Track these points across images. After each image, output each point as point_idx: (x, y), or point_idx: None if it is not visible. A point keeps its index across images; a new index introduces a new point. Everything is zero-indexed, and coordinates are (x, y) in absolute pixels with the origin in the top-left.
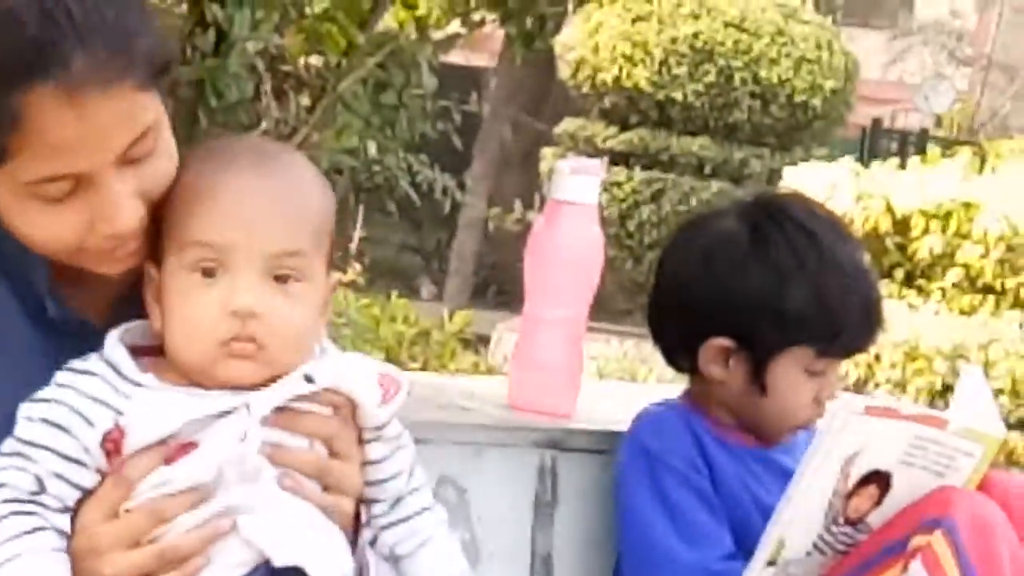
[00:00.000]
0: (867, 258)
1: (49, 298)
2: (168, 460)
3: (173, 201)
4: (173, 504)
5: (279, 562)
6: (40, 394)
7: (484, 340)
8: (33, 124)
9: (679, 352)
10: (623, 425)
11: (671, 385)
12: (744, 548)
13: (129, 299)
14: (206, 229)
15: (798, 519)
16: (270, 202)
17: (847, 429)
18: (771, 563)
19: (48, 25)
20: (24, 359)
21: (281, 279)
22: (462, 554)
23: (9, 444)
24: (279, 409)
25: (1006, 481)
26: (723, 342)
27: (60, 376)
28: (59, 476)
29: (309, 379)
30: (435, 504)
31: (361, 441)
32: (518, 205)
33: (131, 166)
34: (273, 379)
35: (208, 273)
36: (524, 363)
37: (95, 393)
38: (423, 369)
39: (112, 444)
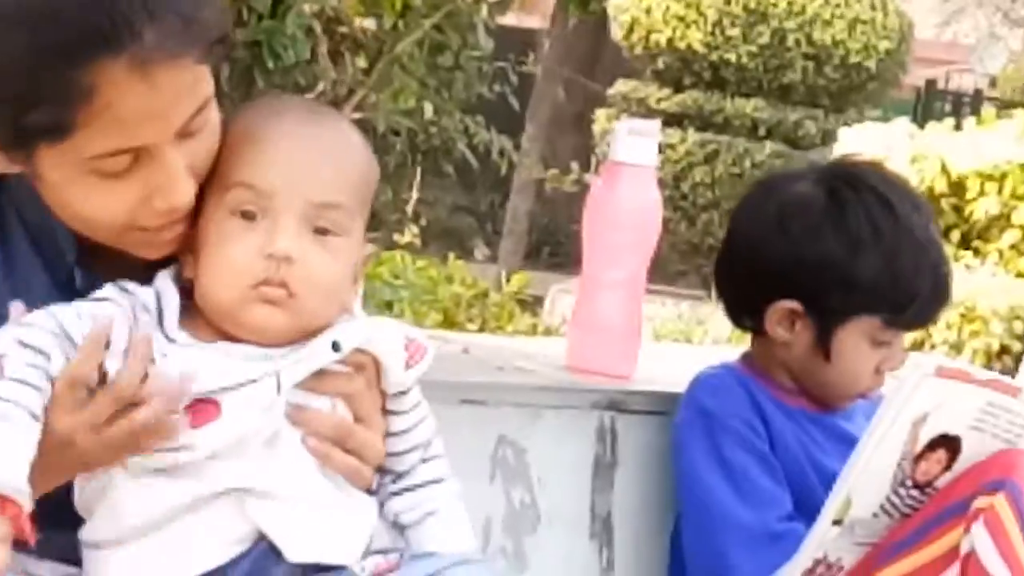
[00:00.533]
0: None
1: (77, 268)
2: (194, 422)
3: (220, 147)
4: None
5: (293, 559)
6: (82, 303)
7: (538, 301)
8: (103, 98)
9: (744, 311)
10: (682, 387)
11: (728, 347)
12: (802, 510)
13: (156, 268)
14: (252, 172)
15: (866, 479)
16: (318, 153)
17: (919, 390)
18: (837, 522)
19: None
20: None
21: (320, 231)
22: (471, 531)
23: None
24: None
25: None
26: (791, 305)
27: (108, 290)
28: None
29: (336, 347)
30: (450, 476)
31: (385, 411)
32: (574, 167)
33: (185, 140)
34: (297, 334)
35: (248, 216)
36: (583, 325)
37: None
38: (480, 330)
39: None
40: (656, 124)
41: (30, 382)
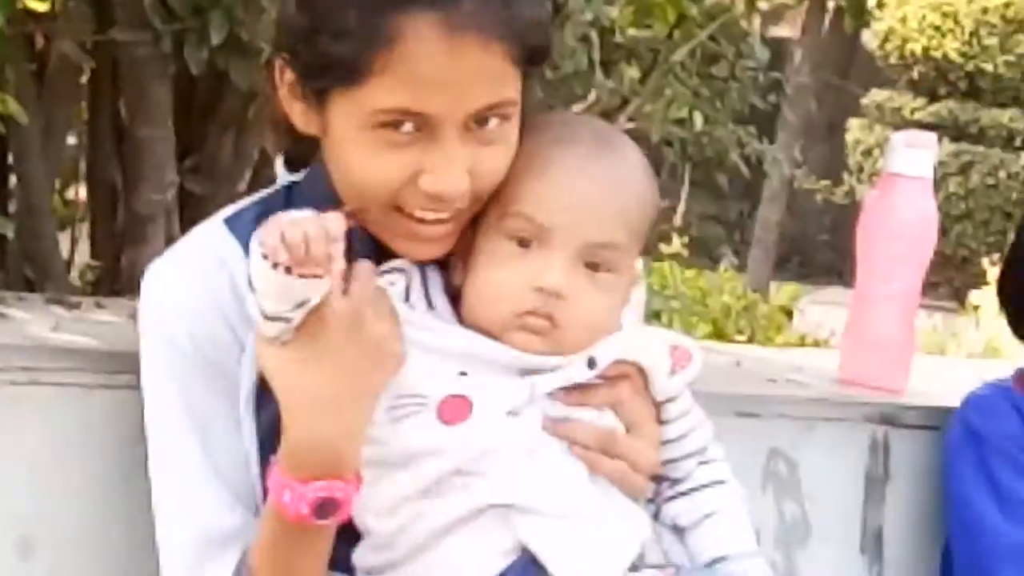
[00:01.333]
0: None
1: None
2: (447, 418)
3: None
4: None
5: (558, 574)
6: None
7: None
8: (406, 49)
9: None
10: (954, 401)
11: (991, 361)
12: None
13: None
14: (534, 205)
15: None
16: (601, 192)
17: None
18: None
19: None
20: None
21: (591, 266)
22: (752, 532)
23: None
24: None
25: None
26: None
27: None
28: None
29: (592, 363)
30: (731, 479)
31: (659, 420)
32: (845, 178)
33: (475, 140)
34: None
35: (523, 244)
36: (856, 337)
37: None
38: (749, 341)
39: None
40: (932, 136)
41: None
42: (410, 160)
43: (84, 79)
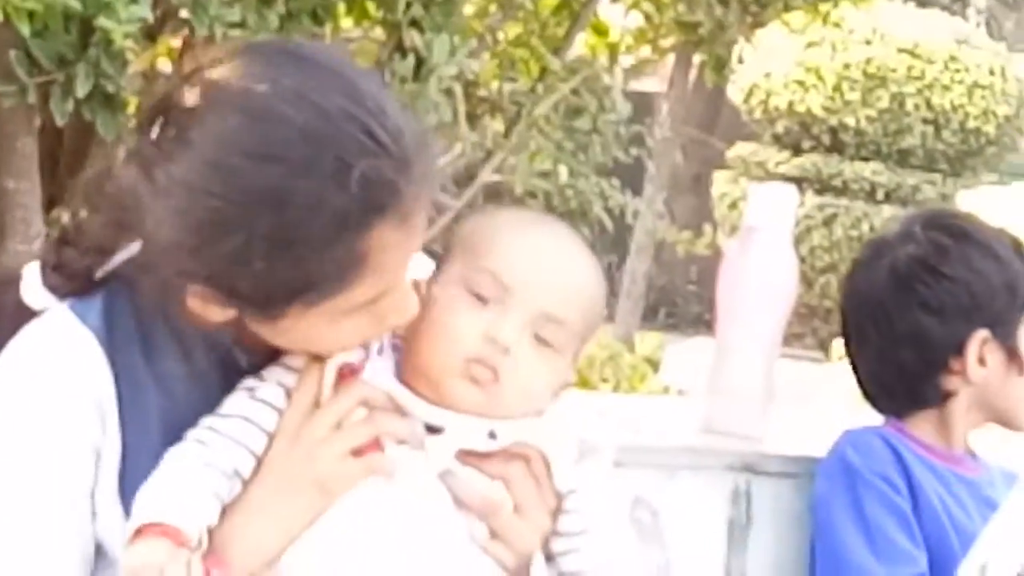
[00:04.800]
0: None
1: (238, 350)
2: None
3: (473, 230)
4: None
5: None
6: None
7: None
8: (375, 257)
9: (914, 384)
10: (814, 450)
11: (853, 410)
12: (937, 570)
13: None
14: (503, 265)
15: (1005, 546)
16: (568, 269)
17: None
18: None
19: (379, 164)
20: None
21: (540, 340)
22: None
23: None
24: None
25: None
26: (983, 335)
27: None
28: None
29: (492, 435)
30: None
31: (560, 510)
32: (707, 230)
33: None
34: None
35: (480, 299)
36: (718, 386)
37: None
38: (614, 391)
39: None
40: (792, 188)
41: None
42: (370, 315)
43: None
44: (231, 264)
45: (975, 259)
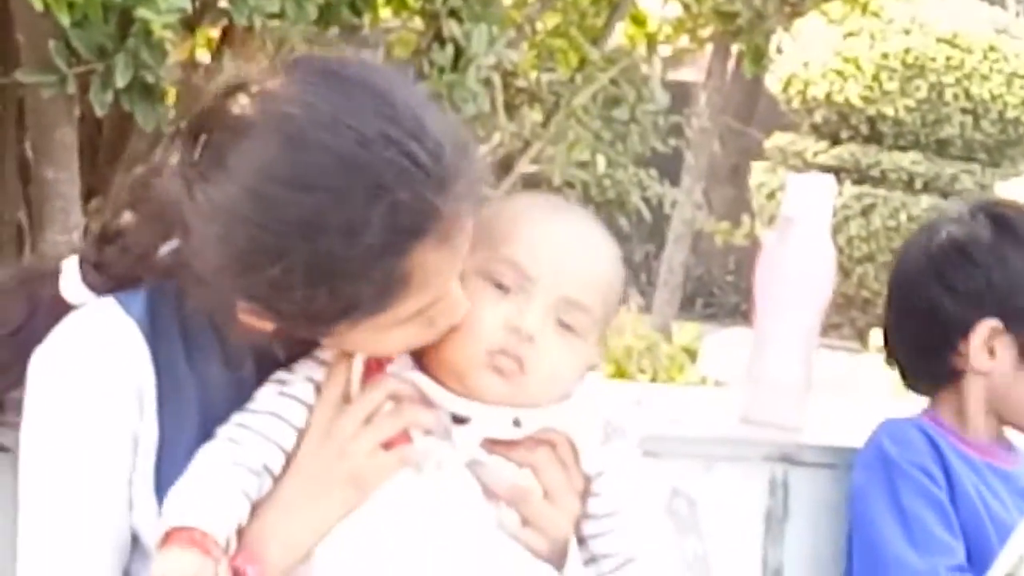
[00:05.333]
0: None
1: (277, 344)
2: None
3: (490, 219)
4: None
5: None
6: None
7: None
8: (418, 276)
9: (929, 362)
10: (851, 440)
11: (888, 400)
12: (974, 561)
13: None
14: (524, 253)
15: None
16: (588, 255)
17: None
18: None
19: (418, 188)
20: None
21: (563, 325)
22: None
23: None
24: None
25: None
26: (993, 324)
27: None
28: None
29: (517, 423)
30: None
31: (589, 493)
32: (745, 220)
33: None
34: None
35: (501, 288)
36: (755, 377)
37: None
38: (652, 381)
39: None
40: (830, 178)
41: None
42: (421, 323)
43: None
44: (273, 290)
45: (1008, 251)
